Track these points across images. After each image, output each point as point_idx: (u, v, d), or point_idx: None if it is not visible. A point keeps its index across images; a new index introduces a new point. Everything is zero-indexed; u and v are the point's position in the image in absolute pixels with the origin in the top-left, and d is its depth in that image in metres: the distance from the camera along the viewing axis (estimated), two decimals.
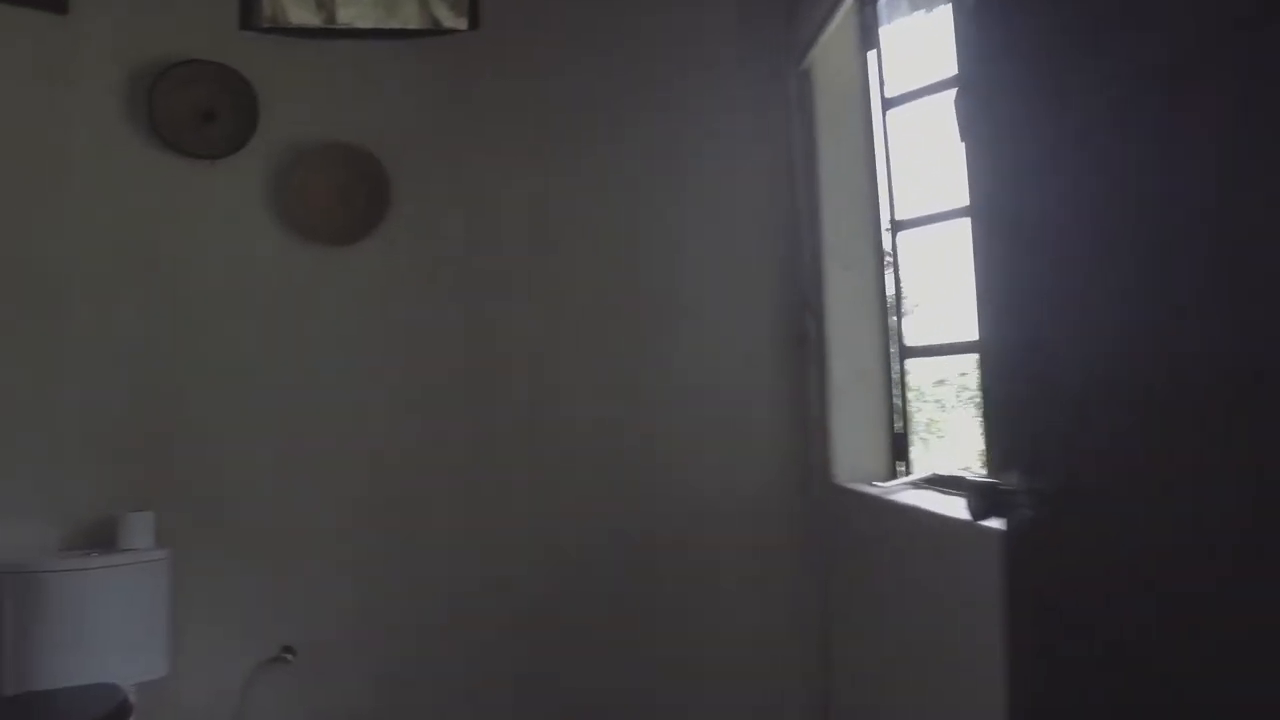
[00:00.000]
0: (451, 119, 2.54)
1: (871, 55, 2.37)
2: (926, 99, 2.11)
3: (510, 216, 2.55)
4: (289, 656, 2.33)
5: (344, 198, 2.43)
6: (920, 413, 2.33)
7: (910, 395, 2.33)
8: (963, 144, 1.36)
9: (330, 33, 2.46)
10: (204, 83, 2.35)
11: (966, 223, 1.70)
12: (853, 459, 2.32)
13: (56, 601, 2.04)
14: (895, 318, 2.37)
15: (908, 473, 2.26)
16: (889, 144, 2.32)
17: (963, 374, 2.18)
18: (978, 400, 1.94)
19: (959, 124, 1.26)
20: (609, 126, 2.58)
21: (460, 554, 2.43)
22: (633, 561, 2.50)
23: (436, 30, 2.49)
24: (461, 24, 2.48)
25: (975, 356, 1.90)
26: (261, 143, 2.40)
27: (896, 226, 2.31)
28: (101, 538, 2.24)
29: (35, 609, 2.03)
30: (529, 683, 2.42)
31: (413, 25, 2.49)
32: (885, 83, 2.31)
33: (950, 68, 1.84)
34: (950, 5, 1.65)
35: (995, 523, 1.10)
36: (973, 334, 1.74)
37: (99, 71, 2.33)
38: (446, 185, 2.54)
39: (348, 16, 2.47)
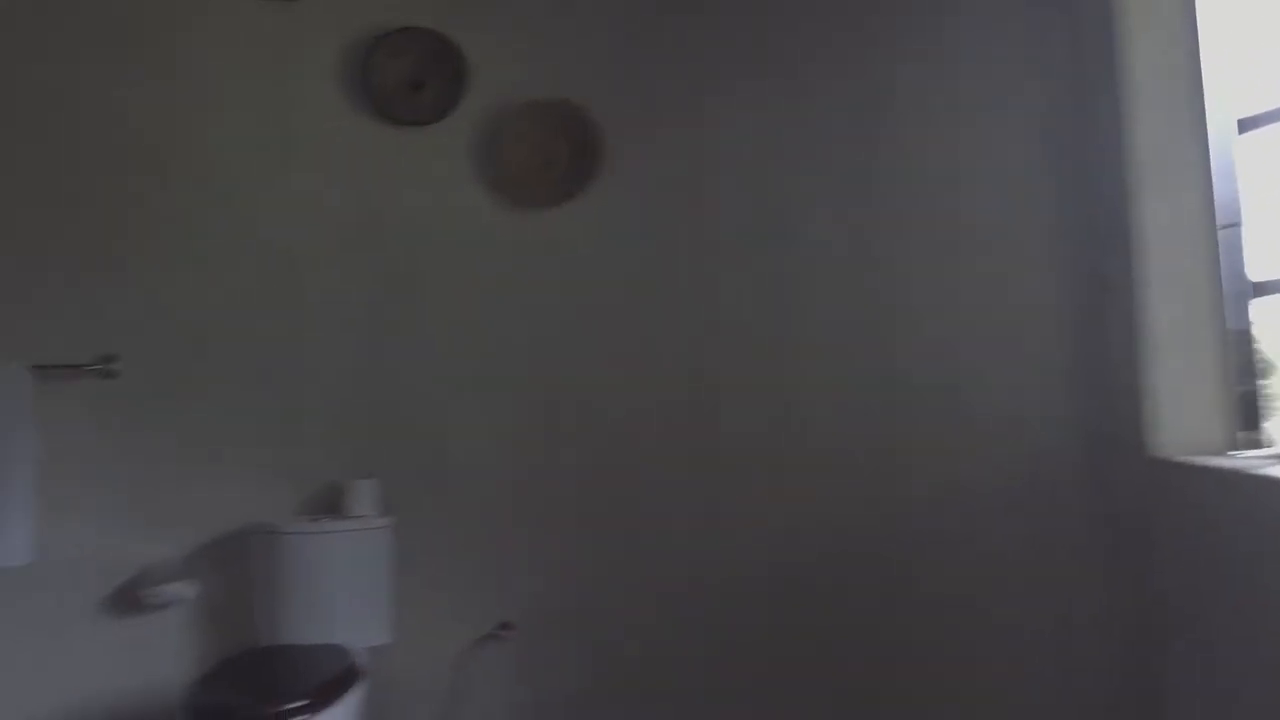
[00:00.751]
0: (668, 68, 2.34)
1: None
2: None
3: (733, 170, 2.30)
4: (506, 634, 2.22)
5: (552, 158, 2.30)
6: None
7: (1261, 346, 1.79)
8: None
9: None
10: (413, 50, 2.30)
11: None
12: (1179, 428, 1.83)
13: (294, 562, 2.04)
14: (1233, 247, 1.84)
15: (1263, 443, 1.73)
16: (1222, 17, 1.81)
17: None
18: None
19: None
20: (846, 47, 2.26)
21: (694, 533, 2.21)
22: (888, 543, 2.17)
23: None
24: None
25: None
26: (471, 106, 2.32)
27: (1240, 127, 1.78)
28: (332, 504, 2.25)
29: (277, 568, 2.05)
30: (769, 671, 2.15)
31: None
32: None
33: None
34: None
35: None
36: None
37: (318, 48, 2.35)
38: (663, 140, 2.34)
39: None
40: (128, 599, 2.21)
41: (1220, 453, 1.76)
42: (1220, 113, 1.83)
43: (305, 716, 1.66)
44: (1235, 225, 1.82)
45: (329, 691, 1.74)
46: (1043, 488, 2.13)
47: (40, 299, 2.19)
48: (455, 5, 2.34)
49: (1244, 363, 1.80)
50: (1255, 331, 1.80)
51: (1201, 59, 1.85)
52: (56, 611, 2.18)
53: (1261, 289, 1.78)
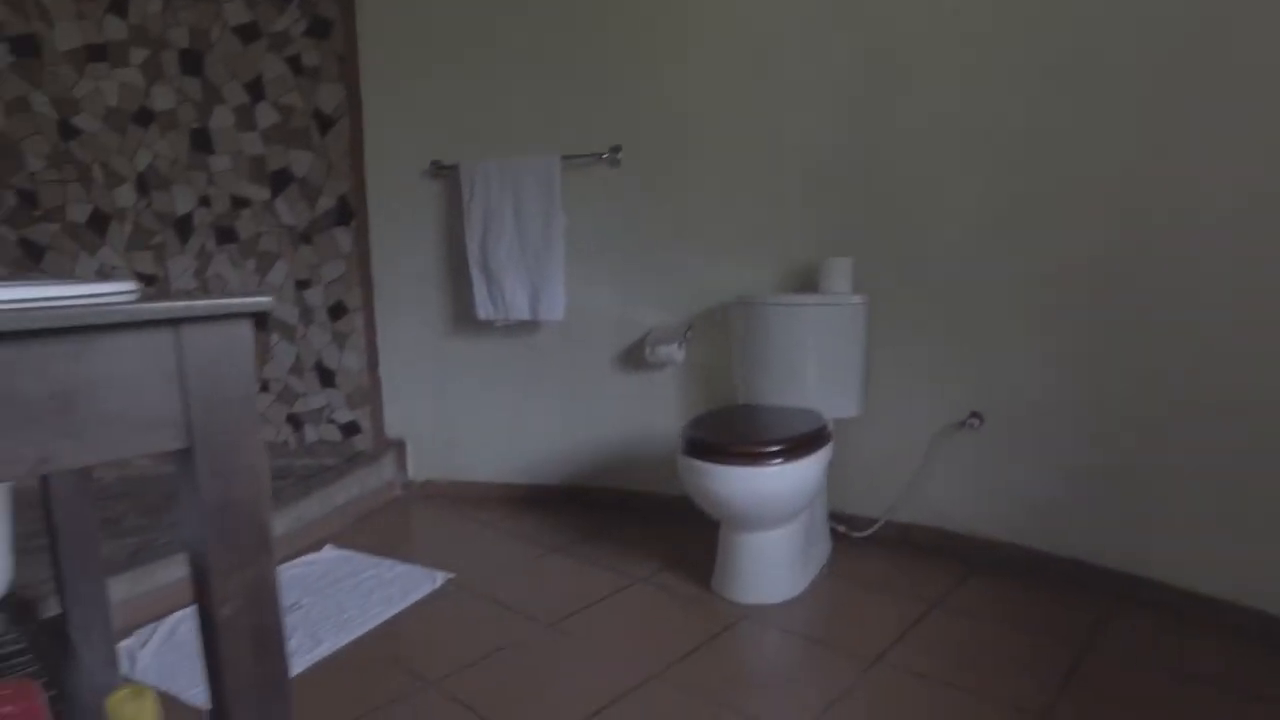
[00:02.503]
0: None
1: None
2: None
3: None
4: (975, 423, 2.13)
5: None
6: None
7: None
8: None
9: None
10: None
11: None
12: None
13: (772, 332, 2.18)
14: None
15: None
16: None
17: None
18: None
19: None
20: None
21: (1234, 344, 1.82)
22: None
23: None
24: None
25: None
26: None
27: None
28: (810, 281, 2.34)
29: (757, 337, 2.21)
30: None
31: None
32: None
33: None
34: None
35: None
36: None
37: None
38: None
39: None
40: (633, 357, 2.62)
41: None
42: None
43: (780, 460, 1.81)
44: None
45: (802, 444, 1.86)
46: None
47: (567, 104, 2.55)
48: None
49: None
50: None
51: None
52: (582, 361, 2.67)
53: None
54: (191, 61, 2.66)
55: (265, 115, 2.71)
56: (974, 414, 2.14)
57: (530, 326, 2.70)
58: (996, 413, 2.12)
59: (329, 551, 2.35)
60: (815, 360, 2.15)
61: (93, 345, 0.86)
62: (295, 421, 2.87)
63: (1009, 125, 2.02)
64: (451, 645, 1.81)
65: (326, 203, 2.76)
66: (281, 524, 2.35)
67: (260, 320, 2.80)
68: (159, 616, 1.94)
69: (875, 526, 2.33)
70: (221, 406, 0.96)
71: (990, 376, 2.12)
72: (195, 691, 1.63)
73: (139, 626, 1.90)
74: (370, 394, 2.85)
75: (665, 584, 2.09)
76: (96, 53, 2.62)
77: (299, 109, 2.71)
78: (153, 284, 2.74)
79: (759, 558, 1.95)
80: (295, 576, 2.19)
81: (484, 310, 2.66)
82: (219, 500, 0.98)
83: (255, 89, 2.70)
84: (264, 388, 2.84)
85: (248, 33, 2.67)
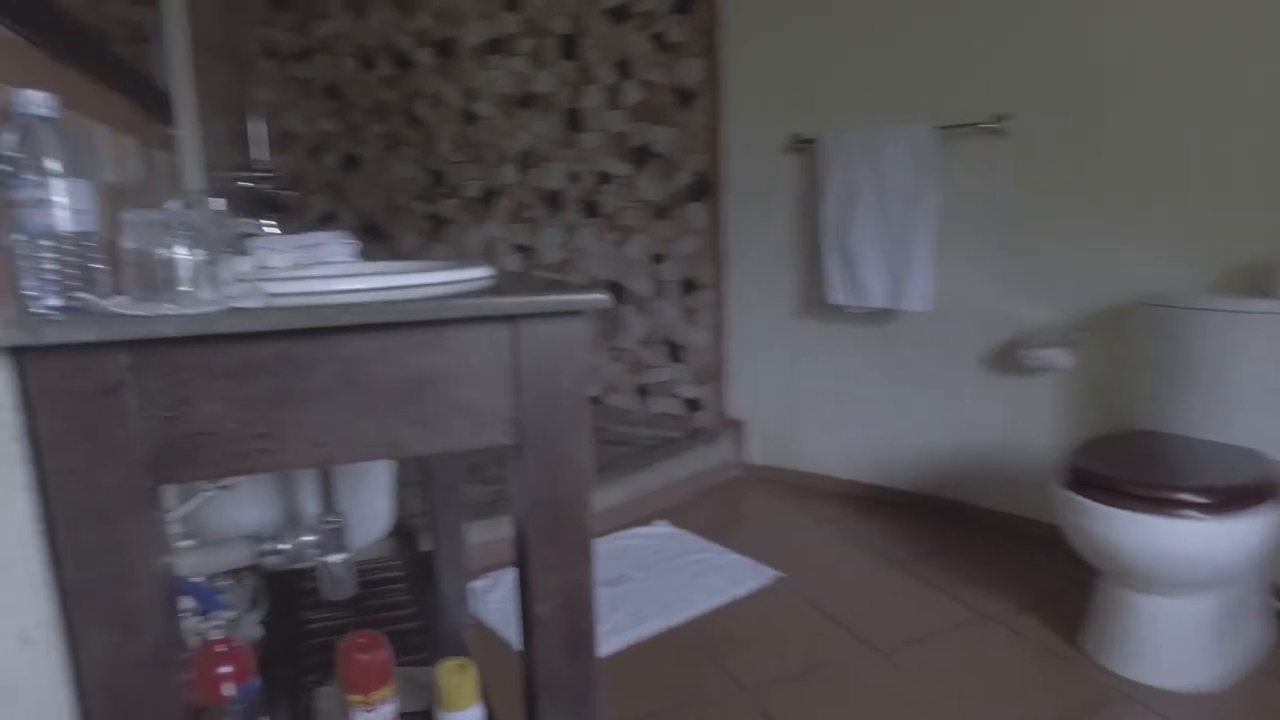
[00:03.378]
0: None
1: None
2: None
3: None
4: None
5: None
6: None
7: None
8: None
9: None
10: None
11: None
12: None
13: (1196, 344, 1.72)
14: None
15: None
16: None
17: None
18: None
19: None
20: None
21: None
22: None
23: None
24: None
25: None
26: None
27: None
28: (1256, 282, 1.80)
29: (1174, 348, 1.76)
30: None
31: None
32: None
33: None
34: None
35: None
36: None
37: None
38: None
39: None
40: (1005, 356, 2.26)
41: None
42: None
43: (1204, 514, 1.41)
44: None
45: (1239, 495, 1.43)
46: None
47: (943, 68, 2.24)
48: None
49: None
50: None
51: None
52: (945, 357, 2.38)
53: None
54: (569, 46, 2.82)
55: (631, 93, 2.79)
56: None
57: (888, 314, 2.47)
58: None
59: (661, 527, 2.39)
60: (1258, 384, 1.64)
61: (441, 337, 0.87)
62: (642, 392, 2.97)
63: None
64: (770, 651, 1.70)
65: (684, 178, 2.77)
66: (620, 493, 2.44)
67: (615, 293, 2.93)
68: (497, 567, 2.11)
69: None
70: (552, 405, 0.92)
71: None
72: None
73: (492, 570, 2.09)
74: (716, 371, 2.84)
75: (1022, 630, 1.77)
76: (494, 46, 2.89)
77: (662, 85, 2.74)
78: (528, 254, 2.99)
79: (1157, 626, 1.55)
80: (626, 548, 2.25)
81: (837, 294, 2.48)
82: (545, 499, 0.96)
83: (623, 68, 2.78)
84: (617, 357, 2.98)
85: (619, 14, 2.75)
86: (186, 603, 1.02)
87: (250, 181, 2.46)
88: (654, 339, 2.92)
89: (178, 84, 1.64)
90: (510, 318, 0.88)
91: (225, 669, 0.96)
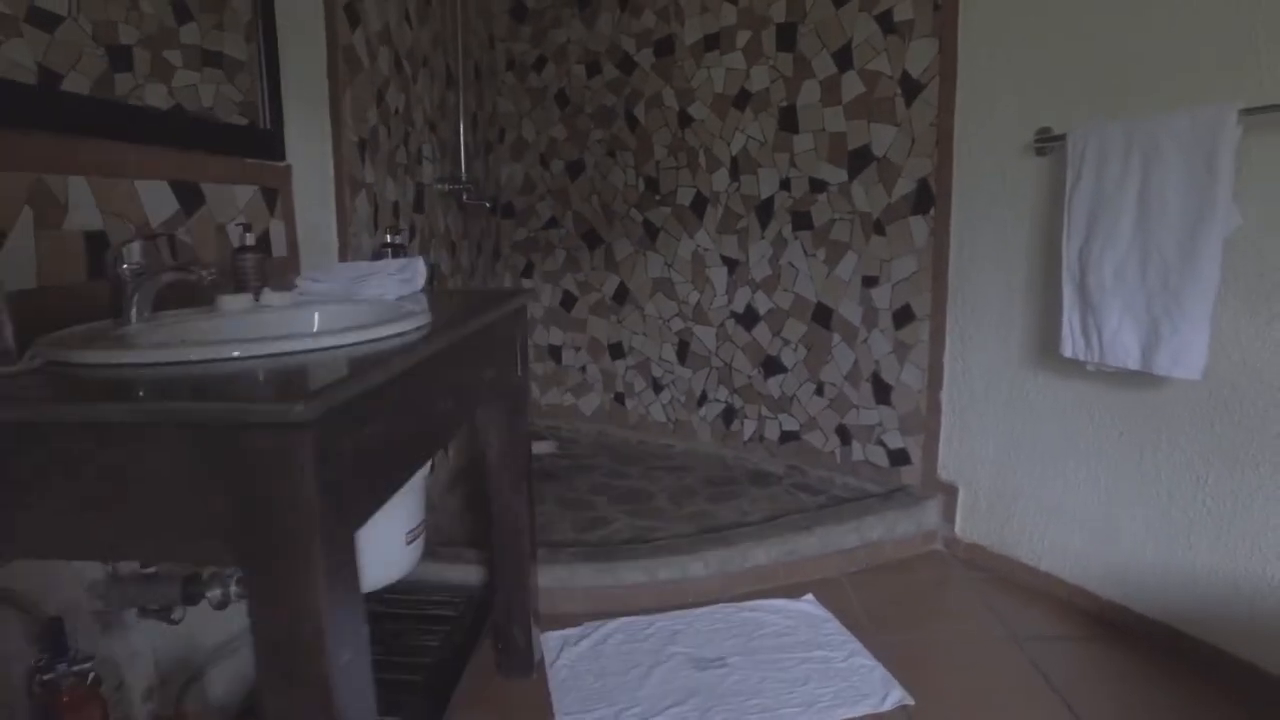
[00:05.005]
0: None
1: None
2: None
3: None
4: None
5: None
6: None
7: None
8: None
9: None
10: None
11: None
12: None
13: None
14: None
15: None
16: None
17: None
18: None
19: None
20: None
21: None
22: None
23: None
24: None
25: None
26: None
27: None
28: None
29: None
30: None
31: None
32: None
33: None
34: None
35: None
36: None
37: None
38: None
39: None
40: None
41: None
42: None
43: None
44: None
45: None
46: None
47: (1261, 21, 1.51)
48: None
49: None
50: None
51: None
52: (1235, 447, 1.64)
53: None
54: (786, 36, 2.48)
55: (850, 86, 2.37)
56: None
57: (1146, 378, 1.78)
58: None
59: (805, 604, 2.01)
60: None
61: (140, 435, 0.75)
62: (843, 434, 2.55)
63: None
64: None
65: (905, 186, 2.29)
66: (771, 553, 2.11)
67: (821, 316, 2.54)
68: (603, 616, 1.93)
69: None
70: (272, 525, 0.75)
71: None
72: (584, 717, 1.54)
73: (593, 618, 1.92)
74: (927, 422, 2.33)
75: None
76: (711, 42, 2.65)
77: (885, 75, 2.28)
78: (734, 268, 2.73)
79: None
80: (747, 623, 1.93)
81: (1071, 345, 1.86)
82: (275, 640, 0.79)
83: (843, 57, 2.37)
84: (819, 390, 2.59)
85: None
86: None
87: (449, 189, 2.57)
88: (860, 374, 2.48)
89: (296, 117, 1.71)
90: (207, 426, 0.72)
91: None
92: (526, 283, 3.22)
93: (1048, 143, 1.93)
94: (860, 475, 2.51)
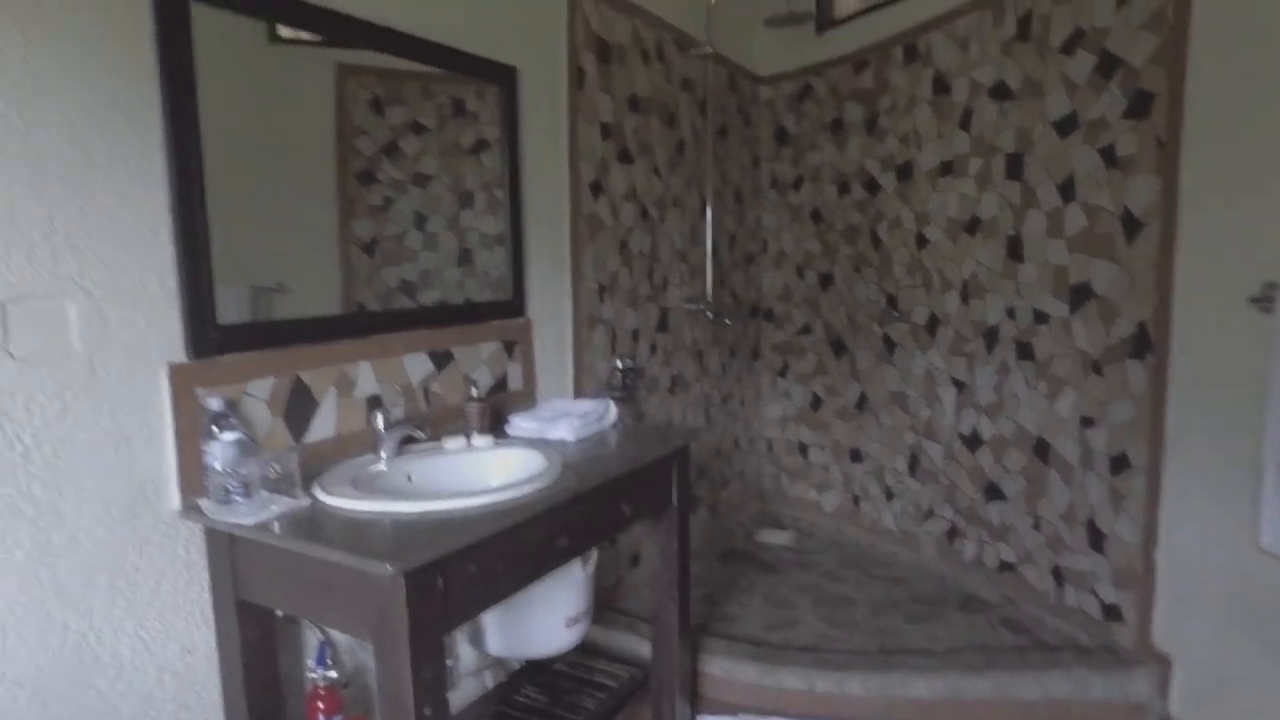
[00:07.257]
0: None
1: None
2: None
3: None
4: None
5: None
6: None
7: None
8: None
9: None
10: None
11: None
12: None
13: None
14: None
15: None
16: None
17: None
18: None
19: None
20: None
21: None
22: None
23: None
24: None
25: None
26: None
27: None
28: None
29: None
30: None
31: None
32: None
33: None
34: None
35: None
36: None
37: None
38: None
39: None
40: None
41: None
42: None
43: None
44: None
45: None
46: None
47: None
48: None
49: None
50: None
51: None
52: None
53: None
54: (1014, 165, 2.47)
55: (1073, 219, 2.29)
56: None
57: None
58: None
59: None
60: None
61: None
62: (1058, 575, 2.42)
63: None
64: None
65: (1123, 327, 2.16)
66: (934, 687, 2.14)
67: (1041, 449, 2.44)
68: (763, 712, 2.16)
69: None
70: None
71: None
72: None
73: (742, 712, 2.17)
74: (1141, 579, 2.15)
75: None
76: (945, 168, 2.72)
77: (1106, 210, 2.19)
78: (962, 390, 2.72)
79: None
80: None
81: (1271, 535, 1.67)
82: None
83: (1067, 189, 2.30)
84: (1035, 525, 2.48)
85: (1065, 125, 2.29)
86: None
87: (695, 309, 3.00)
88: (1075, 517, 2.34)
89: (537, 276, 2.25)
90: None
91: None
92: (781, 382, 3.50)
93: (1272, 300, 1.75)
94: (1072, 622, 2.36)
